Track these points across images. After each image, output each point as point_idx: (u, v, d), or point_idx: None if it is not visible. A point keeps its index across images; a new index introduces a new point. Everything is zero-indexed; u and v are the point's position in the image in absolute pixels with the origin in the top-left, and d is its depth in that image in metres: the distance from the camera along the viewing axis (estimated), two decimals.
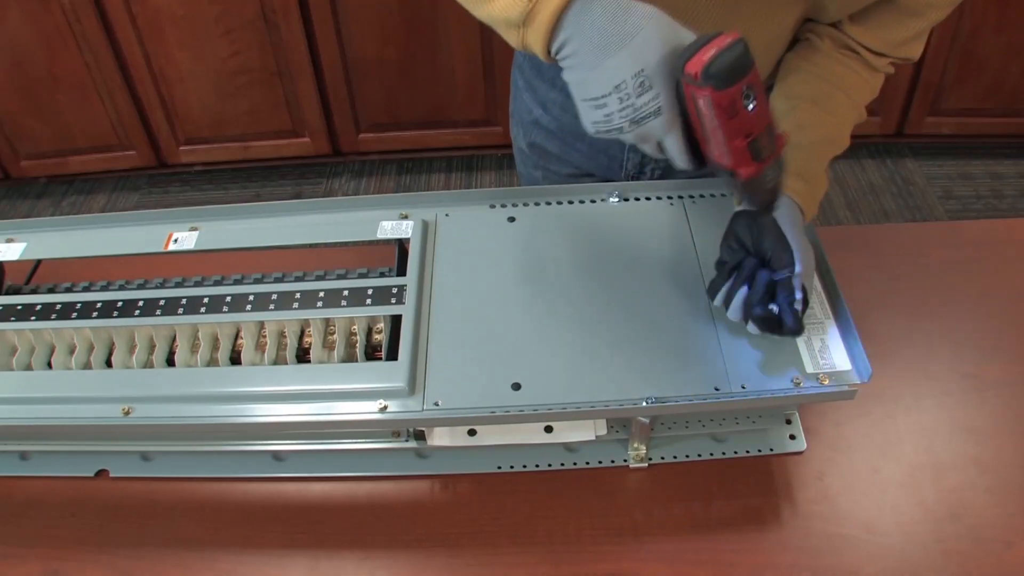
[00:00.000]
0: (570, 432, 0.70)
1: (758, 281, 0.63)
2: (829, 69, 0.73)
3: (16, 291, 0.79)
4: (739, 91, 0.51)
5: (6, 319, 0.72)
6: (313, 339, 0.70)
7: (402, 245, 0.75)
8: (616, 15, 0.51)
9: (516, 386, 0.64)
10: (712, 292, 0.66)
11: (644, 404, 0.62)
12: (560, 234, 0.76)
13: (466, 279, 0.72)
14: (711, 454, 0.72)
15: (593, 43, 0.51)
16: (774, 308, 0.62)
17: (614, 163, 0.89)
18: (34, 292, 0.78)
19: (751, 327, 0.64)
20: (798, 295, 0.62)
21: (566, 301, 0.70)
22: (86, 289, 0.77)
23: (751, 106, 0.52)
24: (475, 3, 0.57)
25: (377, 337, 0.71)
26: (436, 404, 0.63)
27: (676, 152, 0.56)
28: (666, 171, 0.87)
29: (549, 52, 0.54)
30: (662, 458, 0.71)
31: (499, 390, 0.64)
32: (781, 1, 0.68)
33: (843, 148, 0.74)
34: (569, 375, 0.64)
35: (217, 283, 0.76)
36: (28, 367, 0.71)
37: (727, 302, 0.64)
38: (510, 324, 0.68)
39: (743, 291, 0.63)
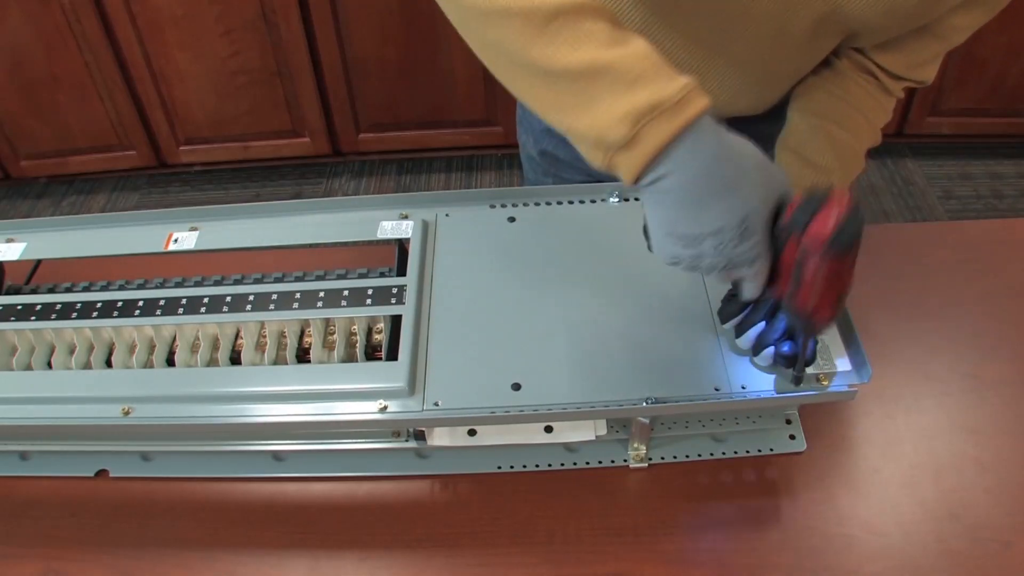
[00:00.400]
0: (570, 432, 0.70)
1: (779, 320, 0.62)
2: (850, 91, 0.74)
3: (16, 291, 0.79)
4: (853, 257, 0.50)
5: (6, 319, 0.72)
6: (313, 339, 0.70)
7: (402, 245, 0.75)
8: (727, 158, 0.48)
9: (516, 386, 0.64)
10: (725, 318, 0.65)
11: (644, 404, 0.62)
12: (560, 234, 0.76)
13: (466, 279, 0.72)
14: (711, 454, 0.72)
15: (699, 184, 0.48)
16: (786, 348, 0.61)
17: None
18: (34, 292, 0.78)
19: (759, 359, 0.64)
20: (811, 347, 0.61)
21: (566, 301, 0.70)
22: (86, 289, 0.77)
23: (852, 266, 0.51)
24: (557, 110, 0.50)
25: (377, 337, 0.71)
26: (436, 404, 0.63)
27: (753, 291, 0.54)
28: None
29: (637, 180, 0.49)
30: (662, 458, 0.71)
31: (499, 390, 0.64)
32: (822, 36, 0.68)
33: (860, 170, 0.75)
34: (569, 375, 0.64)
35: (217, 283, 0.76)
36: (28, 367, 0.71)
37: (739, 331, 0.64)
38: (510, 324, 0.68)
39: (760, 326, 0.62)
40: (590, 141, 0.49)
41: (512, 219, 0.78)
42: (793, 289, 0.53)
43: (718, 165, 0.48)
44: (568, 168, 0.92)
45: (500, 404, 0.63)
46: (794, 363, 0.61)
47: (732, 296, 0.65)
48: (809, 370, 0.63)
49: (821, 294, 0.52)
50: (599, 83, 0.47)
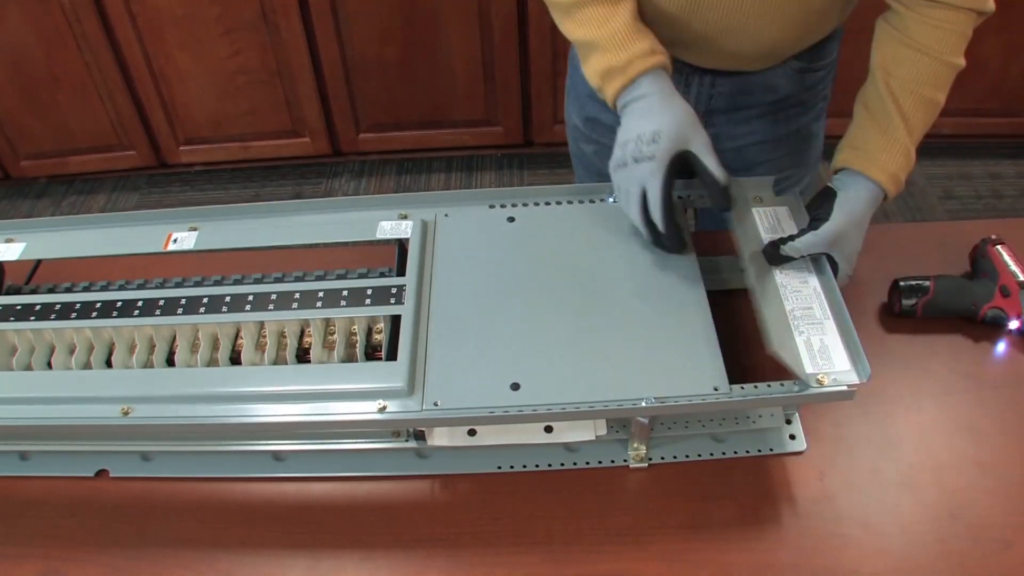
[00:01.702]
0: (570, 432, 0.70)
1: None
2: (908, 29, 0.73)
3: (16, 291, 0.79)
4: None
5: (6, 319, 0.72)
6: (313, 339, 0.70)
7: (402, 245, 0.75)
8: (660, 99, 0.73)
9: (516, 386, 0.64)
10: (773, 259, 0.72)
11: (644, 404, 0.62)
12: (560, 234, 0.76)
13: (466, 279, 0.72)
14: (711, 454, 0.72)
15: (636, 111, 0.73)
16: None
17: None
18: (34, 292, 0.79)
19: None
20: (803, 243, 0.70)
21: (566, 301, 0.70)
22: (86, 289, 0.77)
23: None
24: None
25: (377, 337, 0.71)
26: (435, 404, 0.63)
27: (653, 199, 0.71)
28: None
29: (614, 107, 0.76)
30: (662, 458, 0.71)
31: (498, 390, 0.64)
32: None
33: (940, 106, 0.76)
34: (569, 375, 0.64)
35: (217, 283, 0.76)
36: (28, 367, 0.71)
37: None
38: (510, 324, 0.68)
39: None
40: (591, 85, 0.78)
41: (512, 219, 0.78)
42: None
43: (647, 102, 0.73)
44: (610, 133, 0.94)
45: (499, 404, 0.63)
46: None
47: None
48: (809, 370, 0.63)
49: None
50: (589, 51, 0.75)
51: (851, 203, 0.72)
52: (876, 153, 0.73)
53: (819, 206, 0.73)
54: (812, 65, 0.88)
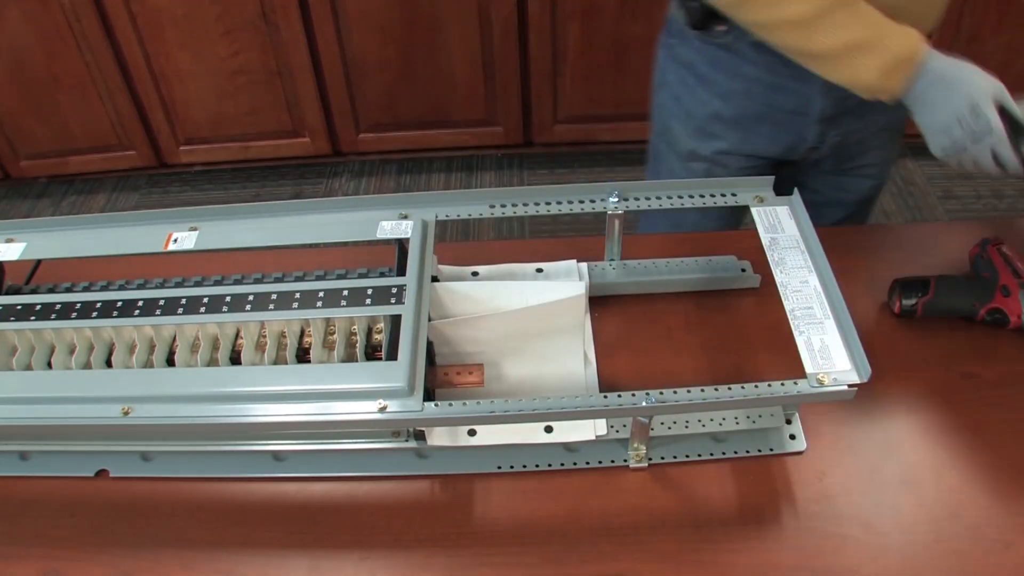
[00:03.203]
0: (570, 432, 0.70)
1: None
2: None
3: (16, 291, 0.79)
4: None
5: (6, 319, 0.72)
6: (313, 339, 0.70)
7: (402, 245, 0.75)
8: (952, 72, 0.74)
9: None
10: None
11: (644, 404, 0.62)
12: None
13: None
14: (711, 454, 0.72)
15: (936, 92, 0.74)
16: None
17: (798, 138, 0.96)
18: (34, 292, 0.78)
19: None
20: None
21: None
22: (86, 289, 0.77)
23: None
24: (831, 73, 0.78)
25: (377, 337, 0.71)
26: (436, 404, 0.63)
27: (1009, 158, 0.74)
28: (837, 146, 0.97)
29: (895, 101, 0.76)
30: (662, 458, 0.71)
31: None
32: None
33: None
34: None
35: (217, 283, 0.76)
36: (28, 367, 0.71)
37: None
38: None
39: None
40: (861, 88, 0.76)
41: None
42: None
43: (945, 80, 0.73)
44: (726, 155, 0.98)
45: (500, 404, 0.63)
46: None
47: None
48: (809, 370, 0.63)
49: None
50: (851, 55, 0.74)
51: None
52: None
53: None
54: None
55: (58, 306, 0.72)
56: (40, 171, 2.26)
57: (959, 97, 0.73)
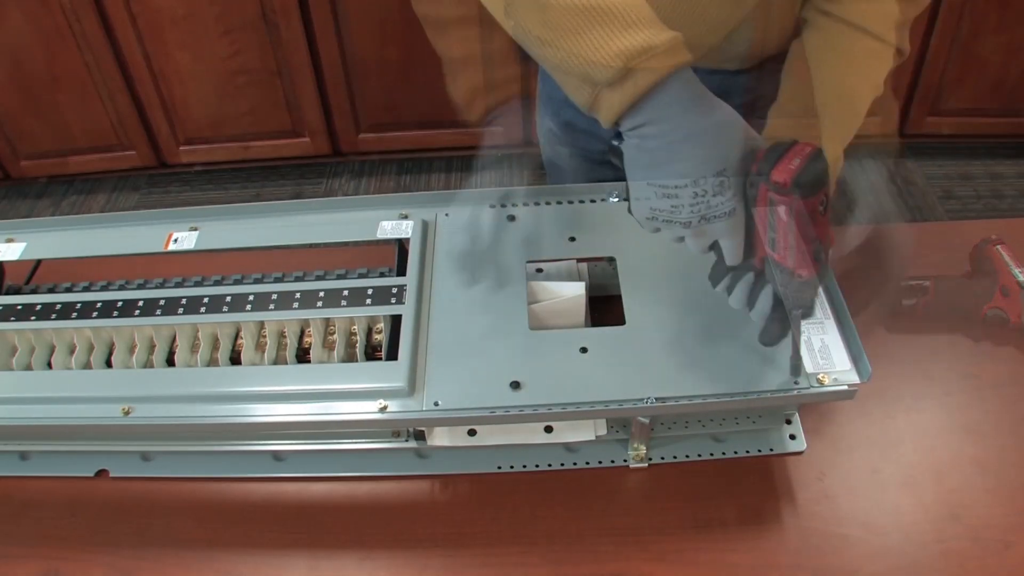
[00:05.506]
0: (570, 432, 0.70)
1: (765, 282, 0.61)
2: (833, 43, 0.71)
3: (16, 291, 0.79)
4: (820, 200, 0.52)
5: (6, 319, 0.72)
6: (313, 339, 0.70)
7: (402, 245, 0.75)
8: (708, 110, 0.50)
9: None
10: (715, 280, 0.62)
11: (644, 404, 0.62)
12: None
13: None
14: (711, 454, 0.72)
15: (680, 133, 0.50)
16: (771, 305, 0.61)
17: None
18: (34, 292, 0.78)
19: (763, 332, 0.62)
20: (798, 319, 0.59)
21: None
22: (86, 289, 0.77)
23: (823, 212, 0.53)
24: (553, 45, 0.52)
25: (377, 337, 0.71)
26: (436, 404, 0.63)
27: (733, 251, 0.56)
28: None
29: (617, 122, 0.51)
30: (662, 458, 0.71)
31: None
32: None
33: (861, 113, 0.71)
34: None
35: (217, 283, 0.76)
36: (28, 367, 0.71)
37: (730, 289, 0.62)
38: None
39: (749, 279, 0.60)
40: (579, 75, 0.51)
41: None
42: (771, 239, 0.54)
43: (699, 116, 0.50)
44: (586, 137, 0.92)
45: (500, 404, 0.63)
46: (785, 327, 0.61)
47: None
48: (809, 370, 0.63)
49: (798, 240, 0.53)
50: (596, 21, 0.49)
51: None
52: None
53: None
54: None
55: (58, 306, 0.72)
56: (40, 171, 2.26)
57: (712, 148, 0.51)
